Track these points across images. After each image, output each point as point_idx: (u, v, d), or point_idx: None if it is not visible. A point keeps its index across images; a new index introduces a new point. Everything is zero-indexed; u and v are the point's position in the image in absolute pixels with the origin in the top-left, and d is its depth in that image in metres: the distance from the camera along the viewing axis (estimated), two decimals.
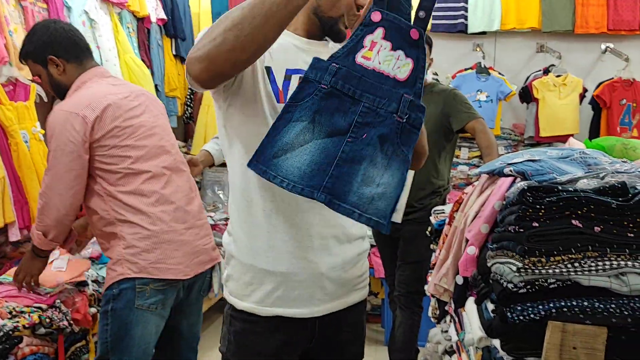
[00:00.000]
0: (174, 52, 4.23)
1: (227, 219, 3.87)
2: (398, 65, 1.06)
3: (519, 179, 1.13)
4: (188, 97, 4.40)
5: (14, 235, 2.49)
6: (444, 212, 1.85)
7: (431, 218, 1.90)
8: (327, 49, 1.32)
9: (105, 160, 1.87)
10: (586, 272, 0.95)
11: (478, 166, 3.66)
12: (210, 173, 4.34)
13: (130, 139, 1.89)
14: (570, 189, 0.99)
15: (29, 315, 2.06)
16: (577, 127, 3.95)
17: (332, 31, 1.30)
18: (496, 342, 1.05)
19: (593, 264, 0.95)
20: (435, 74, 3.76)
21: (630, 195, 0.97)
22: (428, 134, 1.40)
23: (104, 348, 1.90)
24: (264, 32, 1.03)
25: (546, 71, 4.03)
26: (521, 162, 1.16)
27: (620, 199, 0.96)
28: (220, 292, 2.20)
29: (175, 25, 4.12)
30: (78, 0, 2.94)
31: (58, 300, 2.22)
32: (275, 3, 1.02)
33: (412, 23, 1.07)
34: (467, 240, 1.23)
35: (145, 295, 1.86)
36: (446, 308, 1.54)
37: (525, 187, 0.99)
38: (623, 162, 1.21)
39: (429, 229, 1.87)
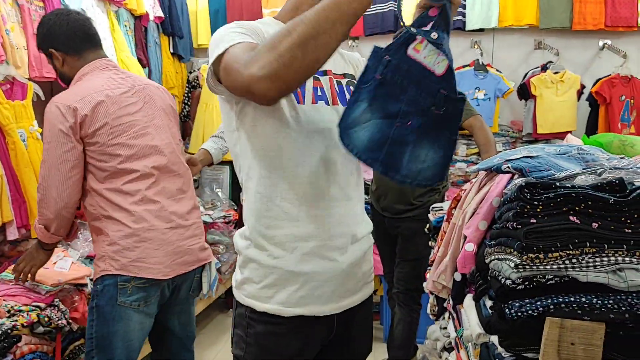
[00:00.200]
0: (172, 50, 4.22)
1: (225, 217, 3.87)
2: (438, 61, 1.11)
3: (517, 176, 1.13)
4: (186, 95, 4.38)
5: (12, 234, 2.49)
6: (442, 209, 1.85)
7: (429, 215, 1.89)
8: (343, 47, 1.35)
9: (95, 156, 1.87)
10: (584, 268, 0.95)
11: (476, 163, 3.66)
12: (208, 171, 4.33)
13: (122, 137, 1.89)
14: (568, 185, 0.99)
15: (27, 314, 2.06)
16: (574, 123, 3.95)
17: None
18: (494, 339, 1.05)
19: (591, 260, 0.95)
20: None
21: (627, 191, 0.96)
22: None
23: (89, 343, 1.91)
24: (332, 46, 1.05)
25: (544, 68, 4.02)
26: (519, 158, 1.16)
27: (617, 195, 0.96)
28: (210, 293, 2.20)
29: (173, 23, 4.11)
30: None
31: (57, 299, 2.22)
32: (345, 15, 1.02)
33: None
34: (465, 237, 1.23)
35: (127, 292, 1.86)
36: (445, 305, 1.54)
37: (523, 184, 0.99)
38: (621, 158, 1.21)
39: (427, 226, 1.87)
